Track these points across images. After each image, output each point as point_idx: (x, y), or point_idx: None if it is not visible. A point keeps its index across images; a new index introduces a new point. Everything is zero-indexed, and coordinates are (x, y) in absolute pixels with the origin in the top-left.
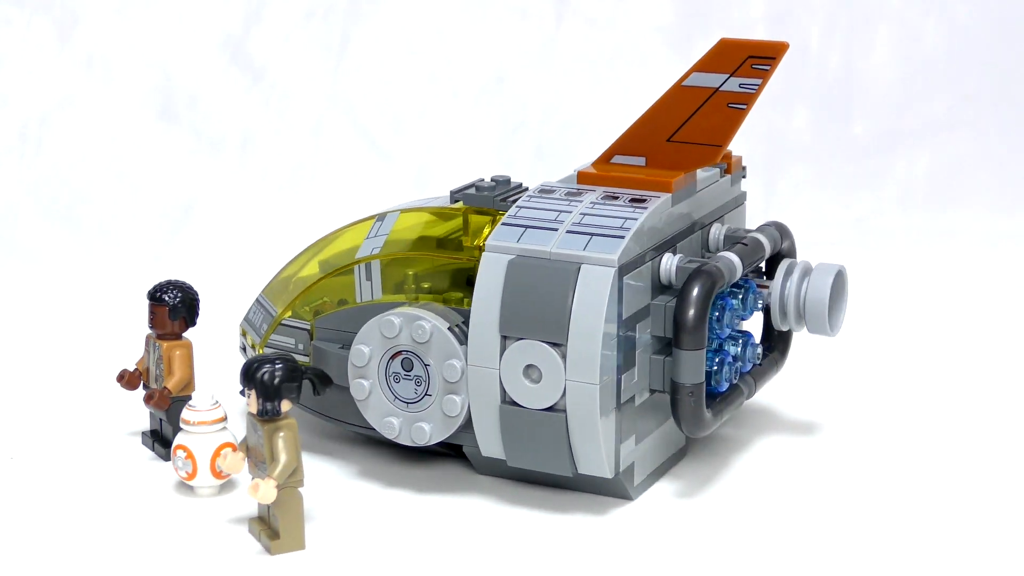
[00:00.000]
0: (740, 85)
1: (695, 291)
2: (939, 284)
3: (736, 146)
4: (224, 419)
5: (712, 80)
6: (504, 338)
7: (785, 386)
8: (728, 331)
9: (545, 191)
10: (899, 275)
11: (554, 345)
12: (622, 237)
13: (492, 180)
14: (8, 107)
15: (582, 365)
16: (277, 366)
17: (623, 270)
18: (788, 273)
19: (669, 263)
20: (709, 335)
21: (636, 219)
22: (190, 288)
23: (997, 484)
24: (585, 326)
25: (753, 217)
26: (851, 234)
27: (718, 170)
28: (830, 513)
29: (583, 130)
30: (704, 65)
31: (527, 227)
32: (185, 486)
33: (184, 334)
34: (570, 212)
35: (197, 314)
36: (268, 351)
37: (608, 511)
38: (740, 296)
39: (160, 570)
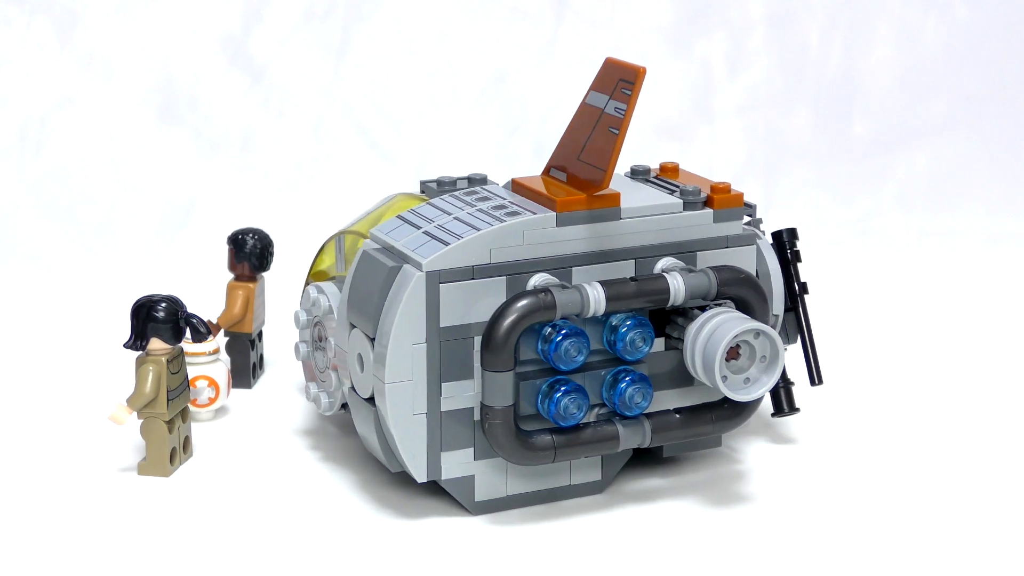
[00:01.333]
0: (615, 109)
1: (503, 312)
2: (939, 284)
3: (736, 145)
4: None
5: (599, 100)
6: (350, 324)
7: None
8: (577, 363)
9: (463, 193)
10: (899, 275)
11: (370, 339)
12: (447, 244)
13: (467, 178)
14: (8, 107)
15: (379, 362)
16: (155, 303)
17: (440, 276)
18: (697, 324)
19: (536, 282)
20: (555, 365)
21: (479, 230)
22: (264, 235)
23: (997, 484)
24: (386, 325)
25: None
26: (851, 234)
27: (679, 201)
28: (830, 514)
29: None
30: (595, 84)
31: (407, 222)
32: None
33: (258, 277)
34: (449, 215)
35: (266, 260)
36: None
37: (599, 520)
38: (615, 331)
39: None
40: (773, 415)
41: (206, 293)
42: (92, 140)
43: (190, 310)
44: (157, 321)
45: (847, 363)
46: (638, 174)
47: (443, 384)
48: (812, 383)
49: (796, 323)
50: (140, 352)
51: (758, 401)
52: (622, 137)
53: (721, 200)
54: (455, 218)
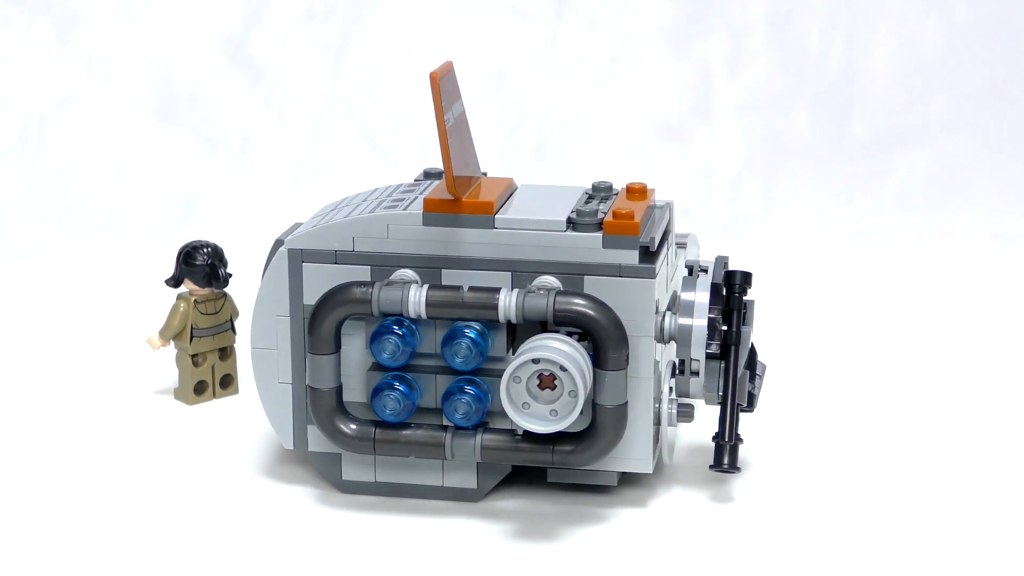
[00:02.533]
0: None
1: (323, 299)
2: (939, 284)
3: (736, 145)
4: None
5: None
6: None
7: (783, 386)
8: (385, 361)
9: (410, 183)
10: (899, 275)
11: None
12: (314, 225)
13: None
14: (8, 107)
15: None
16: (194, 249)
17: (303, 255)
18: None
19: (395, 276)
20: (383, 360)
21: (349, 217)
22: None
23: (997, 484)
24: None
25: (752, 218)
26: (851, 234)
27: (562, 220)
28: (830, 515)
29: (583, 130)
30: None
31: (337, 206)
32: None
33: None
34: (357, 202)
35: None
36: None
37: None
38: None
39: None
40: (711, 467)
41: None
42: (92, 140)
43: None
44: (191, 265)
45: (847, 363)
46: (598, 191)
47: (308, 358)
48: (722, 439)
49: (723, 374)
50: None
51: (606, 442)
52: (442, 143)
53: (612, 226)
54: (356, 205)
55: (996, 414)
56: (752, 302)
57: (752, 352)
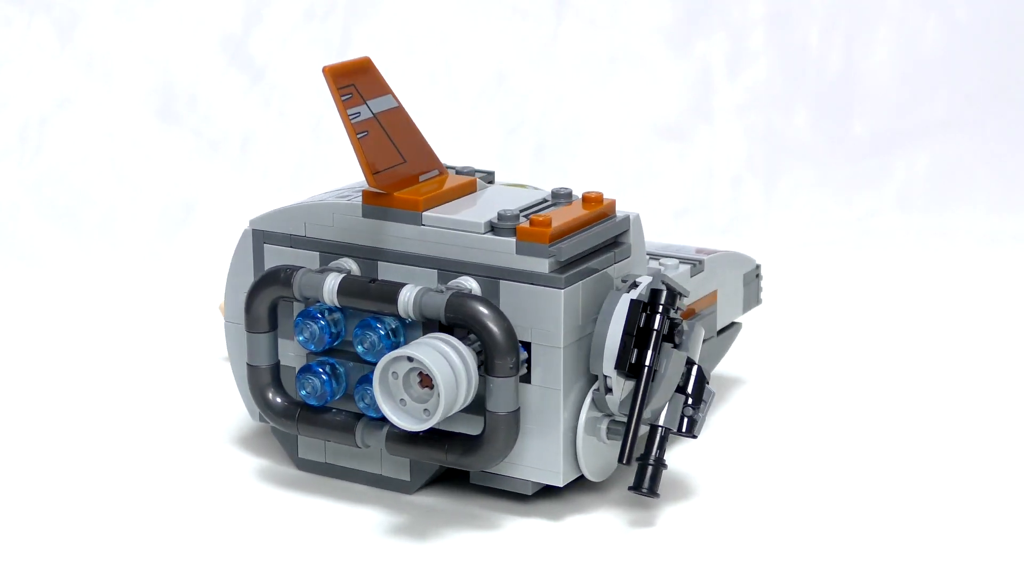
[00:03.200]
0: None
1: (255, 280)
2: (939, 284)
3: (736, 145)
4: None
5: (364, 110)
6: None
7: (782, 386)
8: (322, 348)
9: None
10: (899, 275)
11: None
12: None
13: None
14: (8, 107)
15: None
16: None
17: (264, 236)
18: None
19: (334, 264)
20: (301, 342)
21: (299, 202)
22: None
23: (996, 484)
24: None
25: (752, 218)
26: (851, 234)
27: (480, 222)
28: (833, 514)
29: (583, 130)
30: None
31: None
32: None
33: None
34: (340, 191)
35: None
36: None
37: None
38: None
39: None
40: (629, 488)
41: (206, 293)
42: (92, 140)
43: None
44: None
45: (847, 363)
46: (557, 196)
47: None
48: (619, 460)
49: (632, 395)
50: None
51: (495, 448)
52: (350, 137)
53: (525, 232)
54: (332, 192)
55: (996, 414)
56: (693, 324)
57: (700, 377)
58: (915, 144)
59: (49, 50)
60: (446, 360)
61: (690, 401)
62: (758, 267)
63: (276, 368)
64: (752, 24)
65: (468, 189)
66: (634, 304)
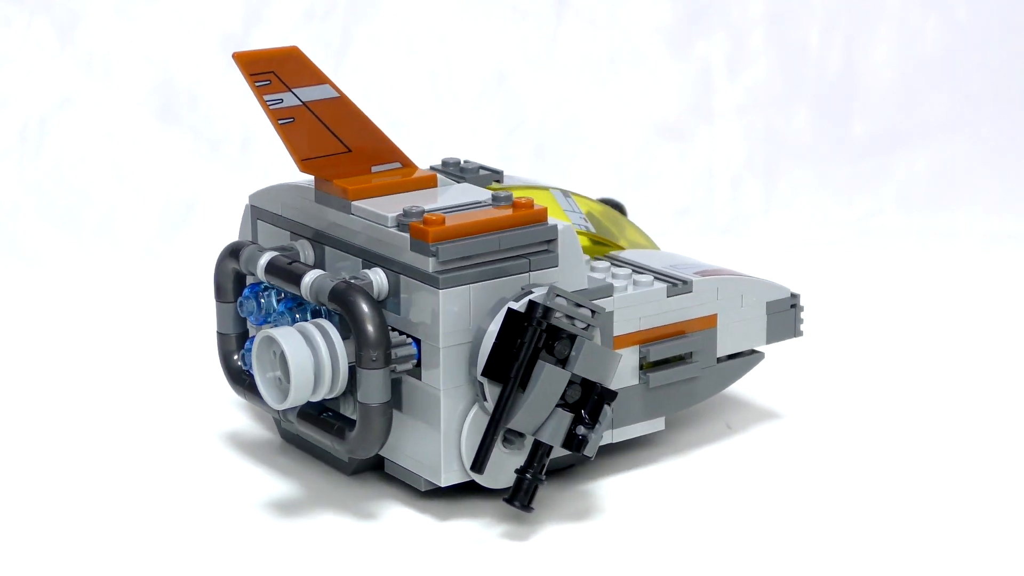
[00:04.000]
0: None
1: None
2: (939, 284)
3: (736, 146)
4: None
5: (288, 99)
6: None
7: (783, 386)
8: (261, 322)
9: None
10: (899, 275)
11: None
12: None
13: (482, 166)
14: (8, 107)
15: None
16: None
17: (257, 212)
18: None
19: (291, 243)
20: (242, 312)
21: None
22: None
23: (996, 484)
24: None
25: (752, 218)
26: (851, 234)
27: (388, 216)
28: (829, 514)
29: (583, 130)
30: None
31: None
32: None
33: None
34: None
35: None
36: None
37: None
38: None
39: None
40: (504, 500)
41: (205, 293)
42: (92, 140)
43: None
44: None
45: (847, 363)
46: (497, 200)
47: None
48: (471, 467)
49: (497, 401)
50: None
51: (362, 438)
52: (272, 124)
53: (415, 229)
54: None
55: (996, 414)
56: (583, 342)
57: (597, 397)
58: (915, 144)
59: (49, 50)
60: (309, 345)
61: (586, 419)
62: (794, 296)
63: (242, 337)
64: (752, 24)
65: (422, 184)
66: (511, 313)
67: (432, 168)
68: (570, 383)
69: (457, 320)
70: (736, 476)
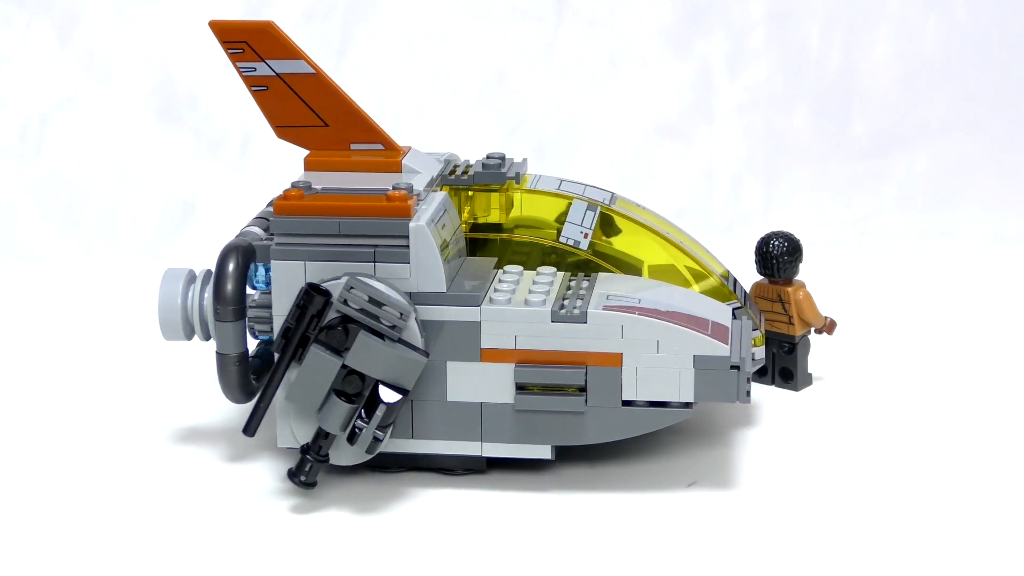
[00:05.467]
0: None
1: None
2: (939, 284)
3: (736, 146)
4: None
5: (262, 68)
6: None
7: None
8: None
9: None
10: (899, 275)
11: None
12: None
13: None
14: (8, 107)
15: None
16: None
17: None
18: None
19: None
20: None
21: None
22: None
23: (996, 484)
24: None
25: (752, 218)
26: (851, 234)
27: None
28: (826, 512)
29: (583, 130)
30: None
31: None
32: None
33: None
34: None
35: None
36: None
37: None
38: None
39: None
40: (288, 472)
41: None
42: (92, 140)
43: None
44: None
45: (847, 363)
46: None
47: None
48: (244, 430)
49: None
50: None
51: (231, 383)
52: (248, 90)
53: (277, 204)
54: None
55: (996, 414)
56: (358, 334)
57: (375, 393)
58: (915, 144)
59: (49, 50)
60: (180, 290)
61: (361, 414)
62: (739, 360)
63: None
64: (752, 24)
65: (382, 167)
66: (305, 291)
67: (480, 161)
68: (351, 373)
69: (290, 292)
70: (736, 476)
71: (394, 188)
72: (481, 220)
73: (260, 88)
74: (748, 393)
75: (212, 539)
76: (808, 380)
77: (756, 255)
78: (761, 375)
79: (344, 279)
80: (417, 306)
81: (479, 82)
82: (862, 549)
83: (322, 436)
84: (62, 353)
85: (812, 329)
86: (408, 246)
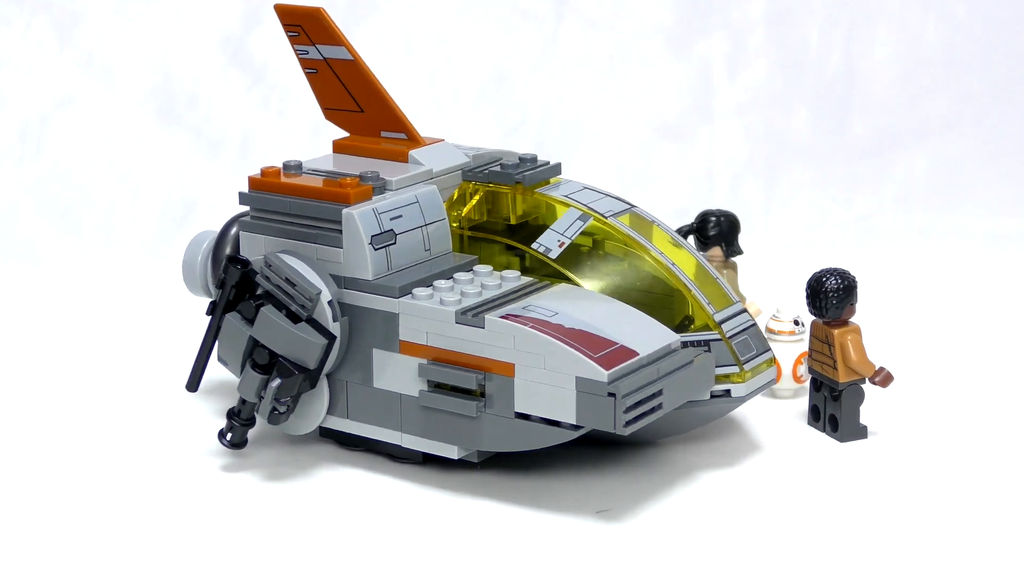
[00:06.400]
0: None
1: None
2: (939, 284)
3: (736, 146)
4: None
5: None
6: None
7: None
8: None
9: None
10: (899, 275)
11: None
12: None
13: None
14: (8, 107)
15: None
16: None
17: None
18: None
19: None
20: None
21: None
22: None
23: (996, 484)
24: None
25: (752, 218)
26: (851, 234)
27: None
28: (822, 512)
29: (583, 130)
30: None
31: None
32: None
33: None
34: None
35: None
36: None
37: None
38: None
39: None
40: (218, 434)
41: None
42: (92, 140)
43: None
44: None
45: None
46: (365, 179)
47: None
48: (187, 385)
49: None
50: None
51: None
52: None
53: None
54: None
55: (996, 414)
56: (261, 307)
57: (275, 367)
58: (915, 144)
59: (49, 50)
60: (202, 250)
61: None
62: (613, 387)
63: None
64: (752, 24)
65: (391, 155)
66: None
67: (501, 161)
68: (259, 345)
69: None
70: (733, 476)
71: (361, 176)
72: (493, 218)
73: (311, 71)
74: (630, 423)
75: (211, 539)
76: (858, 433)
77: (806, 290)
78: (816, 419)
79: (266, 257)
80: (346, 291)
81: (479, 82)
82: (857, 550)
83: (241, 401)
84: (62, 353)
85: (866, 379)
86: (341, 231)
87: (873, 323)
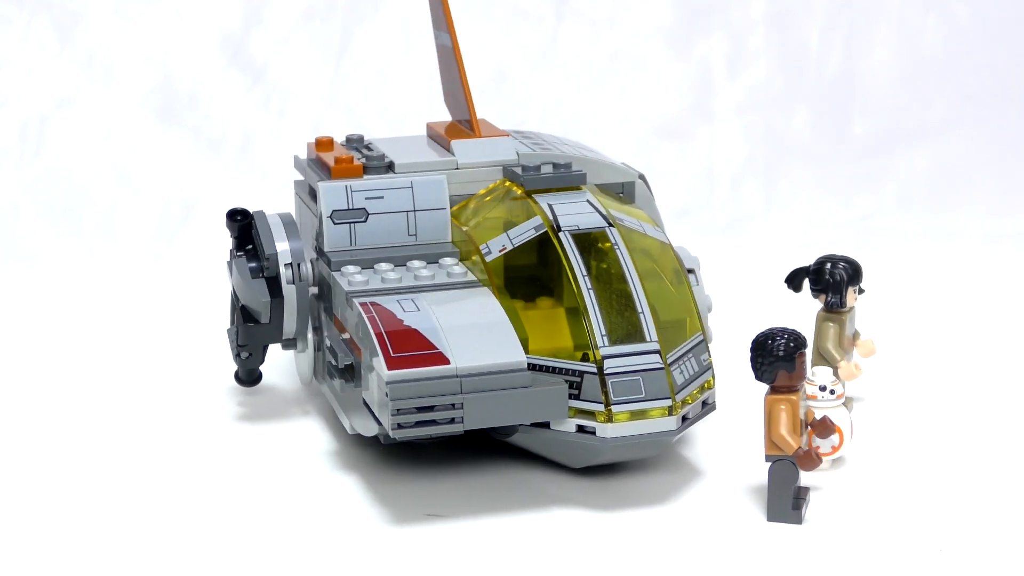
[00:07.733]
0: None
1: None
2: (939, 284)
3: (736, 146)
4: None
5: (441, 38)
6: None
7: None
8: None
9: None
10: (899, 275)
11: None
12: None
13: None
14: (8, 107)
15: None
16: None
17: None
18: None
19: None
20: None
21: None
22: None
23: (996, 484)
24: None
25: (752, 218)
26: (852, 234)
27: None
28: (820, 511)
29: (583, 130)
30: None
31: None
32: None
33: None
34: None
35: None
36: None
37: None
38: None
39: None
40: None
41: (205, 294)
42: (92, 140)
43: None
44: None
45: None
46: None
47: None
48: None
49: None
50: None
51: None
52: (459, 63)
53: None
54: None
55: (996, 414)
56: (234, 260)
57: (246, 313)
58: (915, 144)
59: (49, 50)
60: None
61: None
62: (391, 387)
63: None
64: (752, 24)
65: (442, 142)
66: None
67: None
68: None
69: (300, 226)
70: (731, 476)
71: (368, 156)
72: (496, 214)
73: (438, 55)
74: (403, 427)
75: (210, 539)
76: (787, 516)
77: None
78: None
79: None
80: (316, 259)
81: (479, 82)
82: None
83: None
84: (62, 353)
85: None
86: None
87: (873, 323)
